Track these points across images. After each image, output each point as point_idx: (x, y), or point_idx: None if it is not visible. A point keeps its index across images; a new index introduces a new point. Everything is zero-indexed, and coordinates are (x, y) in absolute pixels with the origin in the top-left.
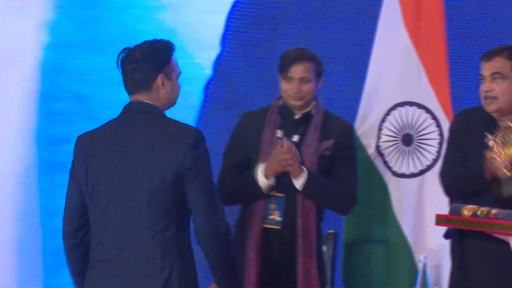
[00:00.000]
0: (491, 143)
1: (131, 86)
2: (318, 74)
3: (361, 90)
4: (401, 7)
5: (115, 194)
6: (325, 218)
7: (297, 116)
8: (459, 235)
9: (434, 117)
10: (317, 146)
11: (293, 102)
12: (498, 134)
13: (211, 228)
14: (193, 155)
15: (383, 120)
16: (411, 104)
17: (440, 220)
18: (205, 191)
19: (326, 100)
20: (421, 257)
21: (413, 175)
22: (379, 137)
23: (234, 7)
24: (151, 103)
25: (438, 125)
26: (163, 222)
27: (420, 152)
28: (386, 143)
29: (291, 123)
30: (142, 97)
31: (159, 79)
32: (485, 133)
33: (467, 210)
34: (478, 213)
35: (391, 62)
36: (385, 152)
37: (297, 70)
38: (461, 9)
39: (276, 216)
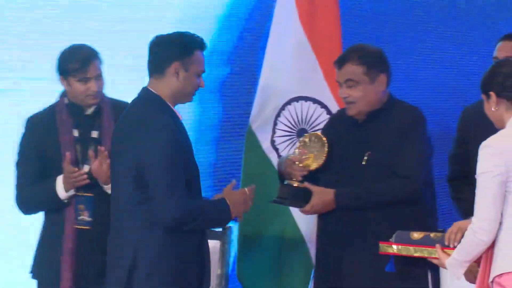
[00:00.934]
0: (297, 146)
1: (149, 68)
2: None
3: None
4: (296, 3)
5: (112, 172)
6: None
7: (88, 112)
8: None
9: (329, 112)
10: None
11: (91, 101)
12: (304, 140)
13: (161, 215)
14: (149, 146)
15: (278, 115)
16: (306, 99)
17: (384, 248)
18: (156, 181)
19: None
20: None
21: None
22: (274, 132)
23: None
24: (153, 91)
25: None
26: (132, 203)
27: None
28: (281, 137)
29: (84, 120)
30: (153, 81)
31: (173, 66)
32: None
33: (418, 234)
34: (432, 235)
35: (286, 57)
36: (280, 147)
37: (93, 69)
38: (355, 4)
39: (85, 217)
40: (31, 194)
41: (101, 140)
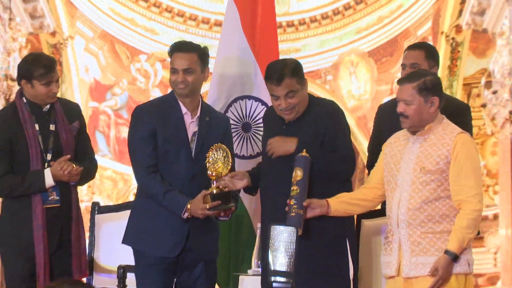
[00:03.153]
0: (207, 160)
1: None
2: None
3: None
4: (239, 16)
5: None
6: None
7: (44, 109)
8: None
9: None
10: (70, 130)
11: (51, 100)
12: (211, 153)
13: None
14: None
15: (226, 111)
16: (249, 97)
17: None
18: None
19: None
20: (258, 225)
21: (251, 157)
22: None
23: None
24: None
25: None
26: None
27: (257, 137)
28: None
29: (42, 116)
30: None
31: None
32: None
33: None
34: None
35: (232, 62)
36: None
37: (55, 74)
38: None
39: (54, 196)
40: (14, 181)
41: (58, 132)
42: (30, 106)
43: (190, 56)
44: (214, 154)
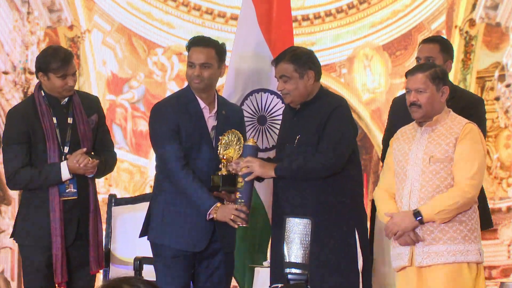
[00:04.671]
0: (219, 144)
1: None
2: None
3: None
4: (255, 10)
5: None
6: None
7: (62, 102)
8: None
9: (284, 102)
10: (88, 123)
11: (67, 93)
12: (224, 138)
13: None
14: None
15: (242, 104)
16: (265, 90)
17: None
18: None
19: None
20: None
21: (266, 149)
22: None
23: None
24: None
25: None
26: None
27: (272, 130)
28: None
29: (60, 109)
30: None
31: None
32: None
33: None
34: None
35: (248, 56)
36: None
37: (71, 68)
38: None
39: (71, 189)
40: (32, 174)
41: (76, 125)
42: (48, 99)
43: (207, 51)
44: (228, 137)
